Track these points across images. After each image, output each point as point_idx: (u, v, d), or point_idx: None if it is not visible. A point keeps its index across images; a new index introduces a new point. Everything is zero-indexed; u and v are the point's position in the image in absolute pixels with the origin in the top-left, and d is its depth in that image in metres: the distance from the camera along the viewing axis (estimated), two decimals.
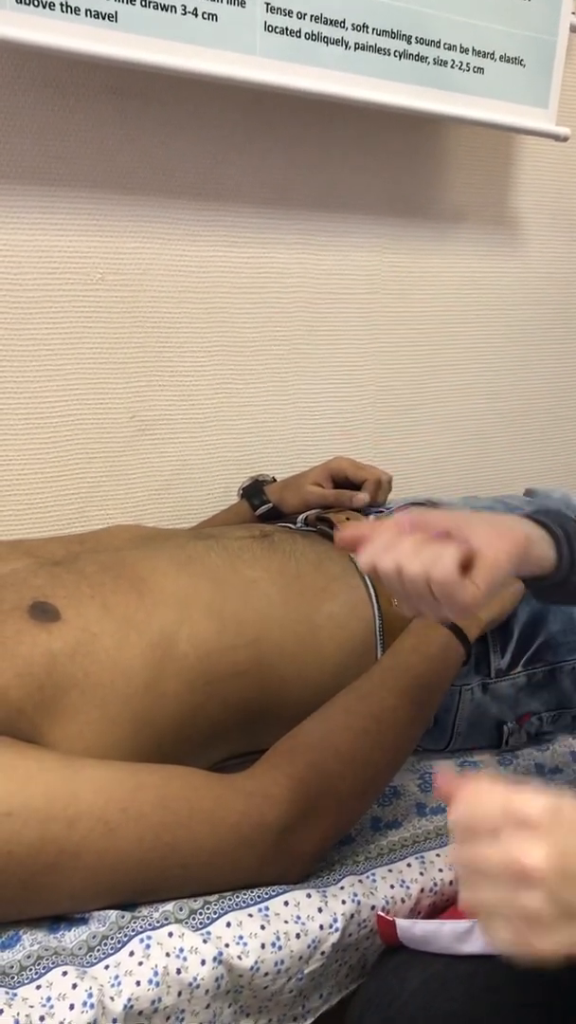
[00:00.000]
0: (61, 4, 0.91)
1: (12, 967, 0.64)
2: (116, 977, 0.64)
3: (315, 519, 1.07)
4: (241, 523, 1.15)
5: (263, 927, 0.69)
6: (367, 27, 1.09)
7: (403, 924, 0.71)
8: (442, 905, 0.81)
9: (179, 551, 0.89)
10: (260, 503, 1.15)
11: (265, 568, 0.90)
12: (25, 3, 0.89)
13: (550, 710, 1.02)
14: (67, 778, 0.67)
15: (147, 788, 0.69)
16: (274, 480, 1.20)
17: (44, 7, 0.90)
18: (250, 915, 0.70)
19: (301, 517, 1.09)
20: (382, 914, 0.72)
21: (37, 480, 1.14)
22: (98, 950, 0.66)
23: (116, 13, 0.93)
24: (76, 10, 0.91)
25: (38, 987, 0.62)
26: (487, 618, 0.90)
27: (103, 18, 0.93)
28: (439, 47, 1.16)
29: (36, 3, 0.89)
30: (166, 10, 0.96)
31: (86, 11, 0.92)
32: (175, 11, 0.97)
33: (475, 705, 0.96)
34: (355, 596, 0.93)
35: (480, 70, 1.20)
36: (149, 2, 0.95)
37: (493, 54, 1.21)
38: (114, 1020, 0.62)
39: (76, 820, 0.65)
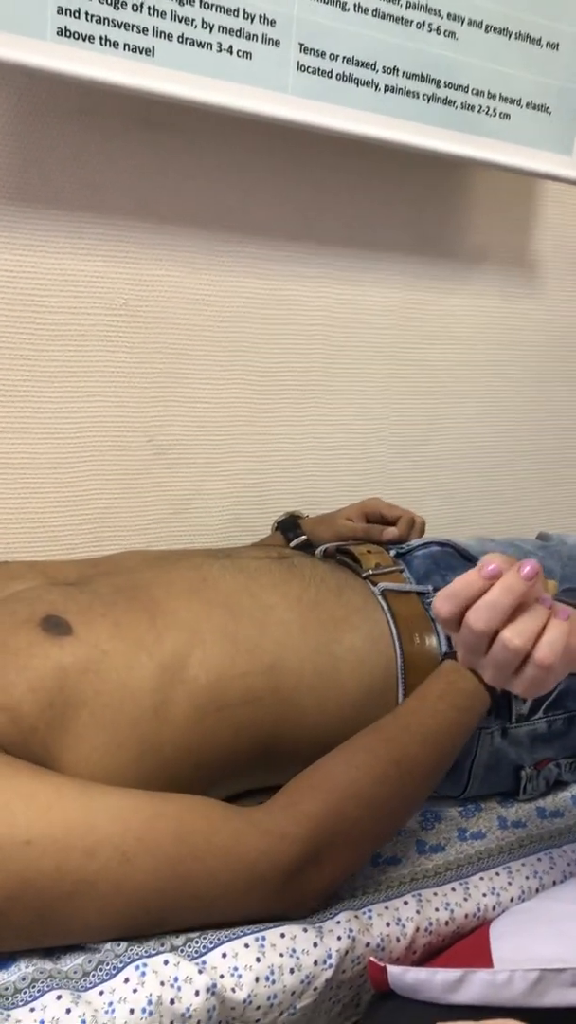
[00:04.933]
0: (101, 37, 0.92)
1: (7, 988, 0.64)
2: (110, 1004, 0.64)
3: (335, 550, 1.06)
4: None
5: (258, 959, 0.69)
6: (397, 70, 1.11)
7: (394, 971, 0.70)
8: (438, 945, 0.80)
9: (194, 572, 0.88)
10: (295, 536, 1.13)
11: (283, 594, 0.89)
12: (65, 36, 0.91)
13: (567, 757, 1.00)
14: (85, 806, 0.66)
15: (165, 818, 0.68)
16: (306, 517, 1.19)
17: (84, 40, 0.92)
18: (246, 945, 0.70)
19: (320, 548, 1.07)
20: (374, 959, 0.72)
21: (52, 499, 1.15)
22: (93, 975, 0.65)
23: (154, 48, 0.95)
24: (115, 44, 0.93)
25: (32, 1009, 0.62)
26: None
27: (141, 52, 0.95)
28: (467, 92, 1.17)
29: (76, 36, 0.91)
30: (202, 47, 0.98)
31: (124, 45, 0.94)
32: (211, 48, 0.99)
33: (494, 749, 0.94)
34: (376, 630, 0.91)
35: (506, 116, 1.22)
36: (186, 39, 0.97)
37: (519, 101, 1.23)
38: None
39: (94, 850, 0.64)
